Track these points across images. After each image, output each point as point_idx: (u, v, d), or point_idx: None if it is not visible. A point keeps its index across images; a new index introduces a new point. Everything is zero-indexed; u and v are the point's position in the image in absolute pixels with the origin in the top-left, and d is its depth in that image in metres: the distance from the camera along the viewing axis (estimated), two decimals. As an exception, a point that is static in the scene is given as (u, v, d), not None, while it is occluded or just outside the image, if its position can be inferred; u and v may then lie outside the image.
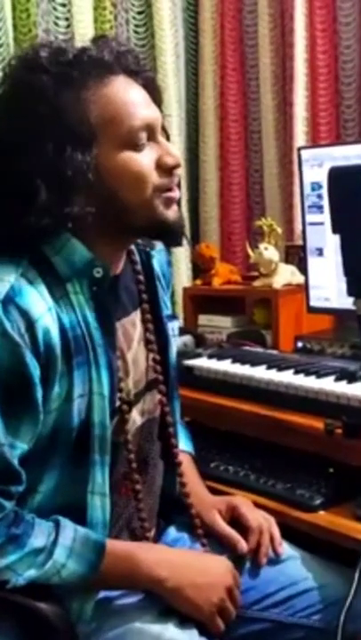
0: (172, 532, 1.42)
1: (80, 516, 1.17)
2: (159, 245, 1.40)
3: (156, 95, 1.24)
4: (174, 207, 1.22)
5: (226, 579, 1.23)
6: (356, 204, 1.14)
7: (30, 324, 1.09)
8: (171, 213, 1.21)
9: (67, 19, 2.43)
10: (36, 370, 1.10)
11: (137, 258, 1.34)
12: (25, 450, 1.12)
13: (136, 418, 1.30)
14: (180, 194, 1.25)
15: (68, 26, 2.43)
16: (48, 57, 1.14)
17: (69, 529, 1.15)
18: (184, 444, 1.50)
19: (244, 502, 1.45)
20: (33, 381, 1.10)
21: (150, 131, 1.19)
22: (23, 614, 1.11)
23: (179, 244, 1.27)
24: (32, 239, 1.15)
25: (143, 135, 1.18)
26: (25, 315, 1.09)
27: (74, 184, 1.11)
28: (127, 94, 1.17)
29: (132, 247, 1.33)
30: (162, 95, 1.28)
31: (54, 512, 1.17)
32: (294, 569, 1.39)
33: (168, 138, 1.26)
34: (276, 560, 1.39)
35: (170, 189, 1.21)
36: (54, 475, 1.17)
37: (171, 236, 1.25)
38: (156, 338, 1.34)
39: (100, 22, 2.51)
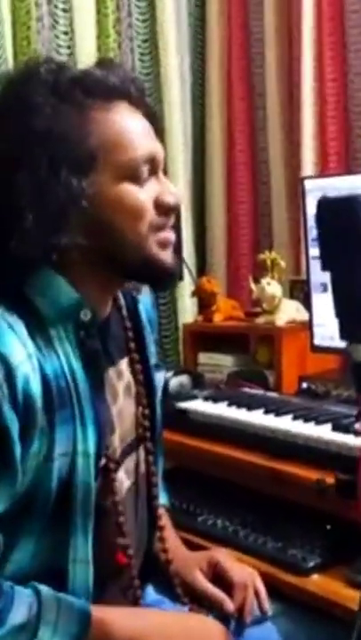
0: (151, 593, 1.30)
1: (60, 585, 1.04)
2: (146, 291, 1.30)
3: (157, 126, 1.15)
4: (170, 250, 1.12)
5: None
6: (347, 238, 1.03)
7: (9, 371, 0.97)
8: (166, 256, 1.11)
9: (69, 47, 2.37)
10: (13, 423, 0.98)
11: (122, 302, 1.23)
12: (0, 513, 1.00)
13: (123, 478, 1.17)
14: (174, 236, 1.14)
15: (71, 54, 2.37)
16: (49, 72, 1.05)
17: (51, 600, 1.01)
18: (162, 496, 1.38)
19: (226, 556, 1.33)
20: (10, 436, 0.98)
21: (152, 164, 1.10)
22: None
23: (168, 289, 1.17)
24: (13, 273, 1.04)
25: (145, 169, 1.08)
26: (4, 361, 0.97)
27: (65, 211, 1.01)
28: (131, 122, 1.09)
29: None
30: (162, 126, 1.20)
31: (31, 580, 1.03)
32: (282, 627, 1.28)
33: (166, 172, 1.16)
34: (262, 617, 1.27)
35: (165, 229, 1.11)
36: (30, 542, 1.04)
37: (163, 280, 1.15)
38: (145, 390, 1.23)
39: (103, 51, 2.44)
